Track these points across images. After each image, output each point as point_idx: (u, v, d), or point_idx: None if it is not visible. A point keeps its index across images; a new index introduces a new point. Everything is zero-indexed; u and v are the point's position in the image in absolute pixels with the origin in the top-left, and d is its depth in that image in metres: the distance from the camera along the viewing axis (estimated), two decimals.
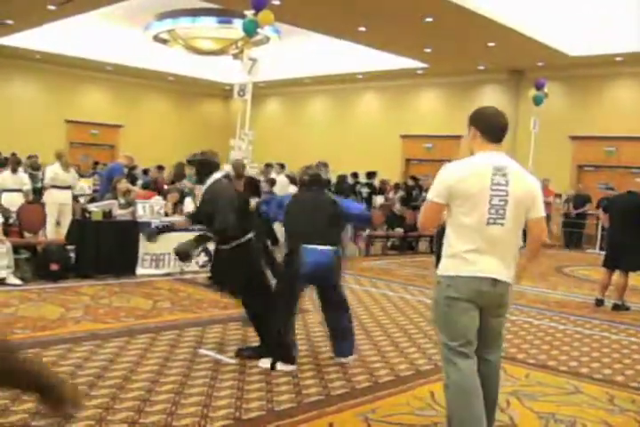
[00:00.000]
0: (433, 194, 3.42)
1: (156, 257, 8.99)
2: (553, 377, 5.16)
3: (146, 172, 15.83)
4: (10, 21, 16.19)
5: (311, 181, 5.35)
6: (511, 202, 3.32)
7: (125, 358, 5.04)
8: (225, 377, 4.70)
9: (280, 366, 4.98)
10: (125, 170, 12.49)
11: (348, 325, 5.40)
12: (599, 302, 8.36)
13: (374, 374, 5.01)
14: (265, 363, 5.02)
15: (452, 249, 3.41)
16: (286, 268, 5.17)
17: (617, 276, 8.25)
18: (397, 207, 14.27)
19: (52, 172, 10.53)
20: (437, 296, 3.46)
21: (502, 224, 3.32)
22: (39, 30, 17.22)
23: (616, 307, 8.20)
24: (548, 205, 16.40)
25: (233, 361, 5.10)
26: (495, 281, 3.34)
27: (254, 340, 5.62)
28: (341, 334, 5.36)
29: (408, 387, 4.72)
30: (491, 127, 3.53)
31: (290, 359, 5.03)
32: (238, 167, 8.67)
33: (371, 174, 15.91)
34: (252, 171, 11.22)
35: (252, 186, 8.84)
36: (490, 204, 3.31)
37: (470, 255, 3.33)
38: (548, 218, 16.90)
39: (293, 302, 5.18)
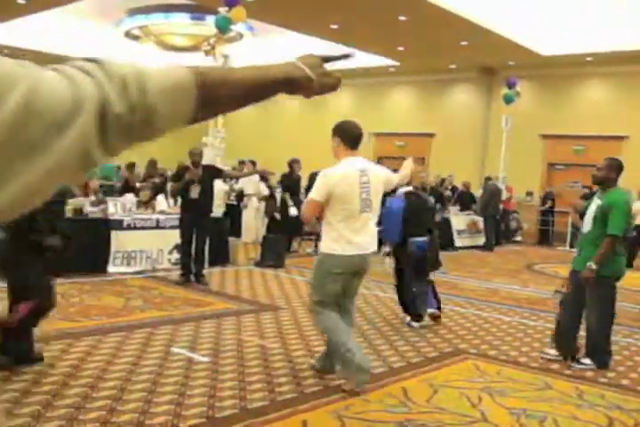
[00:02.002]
0: (317, 194, 4.54)
1: (128, 255, 8.92)
2: (524, 373, 5.22)
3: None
4: None
5: None
6: (373, 194, 4.59)
7: (97, 356, 5.00)
8: (197, 375, 4.69)
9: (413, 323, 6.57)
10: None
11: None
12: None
13: None
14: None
15: (335, 233, 4.54)
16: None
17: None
18: None
19: None
20: (319, 270, 4.66)
21: (369, 211, 4.58)
22: (7, 25, 16.97)
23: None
24: (509, 200, 16.61)
25: (205, 359, 5.09)
26: (365, 254, 4.59)
27: (227, 337, 5.62)
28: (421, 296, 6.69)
29: (381, 384, 4.73)
30: (351, 137, 4.64)
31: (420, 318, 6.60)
32: (193, 157, 8.58)
33: None
34: (225, 168, 11.20)
35: (210, 171, 8.69)
36: (360, 198, 4.52)
37: (349, 237, 4.50)
38: (516, 214, 17.11)
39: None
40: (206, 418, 3.89)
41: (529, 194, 17.82)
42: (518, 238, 17.13)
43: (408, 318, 6.72)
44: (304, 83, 1.08)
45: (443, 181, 16.36)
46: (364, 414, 4.10)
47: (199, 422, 3.83)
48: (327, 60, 1.14)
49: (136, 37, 17.90)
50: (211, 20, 13.80)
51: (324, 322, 4.67)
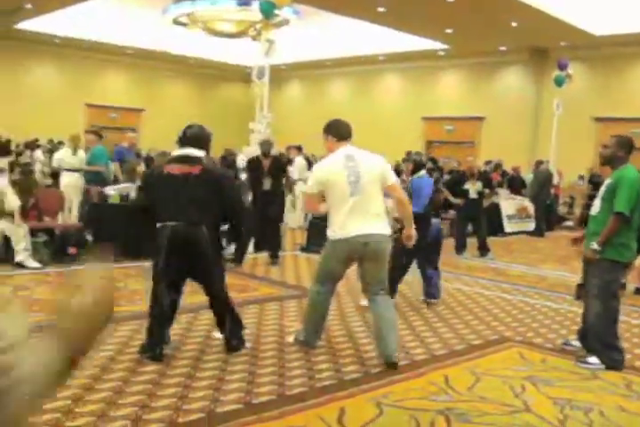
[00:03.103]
0: (308, 187, 4.96)
1: None
2: (570, 362, 5.08)
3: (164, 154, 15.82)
4: (29, 5, 16.19)
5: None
6: (365, 178, 4.65)
7: (138, 341, 5.03)
8: (237, 361, 4.68)
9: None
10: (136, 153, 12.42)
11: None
12: (638, 291, 8.14)
13: None
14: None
15: (331, 218, 4.76)
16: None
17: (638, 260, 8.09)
18: None
19: (60, 155, 10.57)
20: (327, 252, 4.91)
21: (360, 195, 4.63)
22: (58, 15, 17.22)
23: (638, 291, 8.05)
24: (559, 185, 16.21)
25: (247, 345, 5.07)
26: (365, 235, 4.64)
27: (269, 323, 5.61)
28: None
29: (421, 372, 4.66)
30: (337, 129, 4.92)
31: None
32: (265, 146, 8.86)
33: None
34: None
35: (278, 164, 8.92)
36: (347, 181, 4.63)
37: (342, 222, 4.66)
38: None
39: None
40: (243, 404, 3.87)
41: (580, 178, 17.41)
42: (570, 224, 16.77)
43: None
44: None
45: (497, 166, 16.09)
46: (404, 401, 4.04)
47: (236, 407, 3.82)
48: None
49: (184, 24, 17.95)
50: (256, 5, 13.74)
51: (311, 296, 5.11)
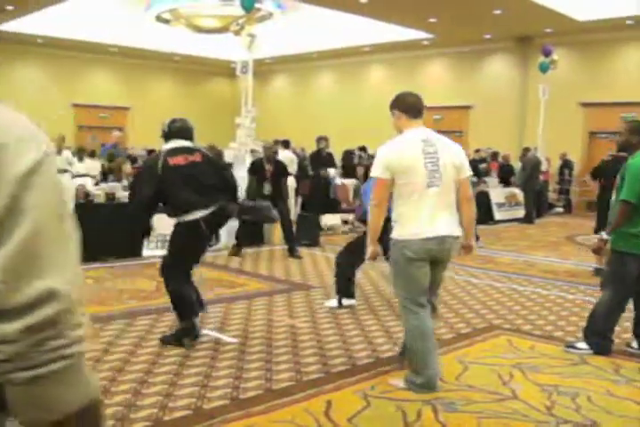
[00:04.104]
0: (376, 171, 4.00)
1: (163, 238, 8.93)
2: (558, 348, 5.08)
3: (151, 152, 15.78)
4: (10, 7, 16.07)
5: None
6: (444, 167, 3.96)
7: (126, 340, 5.03)
8: (224, 356, 4.67)
9: (345, 301, 6.18)
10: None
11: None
12: (598, 272, 8.15)
13: (377, 349, 4.96)
14: (332, 302, 6.23)
15: (400, 214, 4.00)
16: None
17: None
18: None
19: None
20: (395, 260, 4.05)
21: (439, 185, 3.94)
22: (40, 15, 17.10)
23: (598, 272, 8.07)
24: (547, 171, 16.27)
25: (234, 340, 5.08)
26: (442, 238, 3.95)
27: (257, 318, 5.59)
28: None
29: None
30: (410, 105, 4.11)
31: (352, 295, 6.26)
32: (269, 149, 9.35)
33: (362, 149, 15.71)
34: (256, 147, 11.16)
35: (279, 168, 9.07)
36: (426, 169, 3.91)
37: (417, 218, 3.94)
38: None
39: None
40: (230, 399, 3.86)
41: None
42: (560, 210, 16.79)
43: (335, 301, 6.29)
44: None
45: (494, 155, 16.16)
46: (391, 393, 4.03)
47: (223, 403, 3.81)
48: None
49: (166, 21, 17.84)
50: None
51: (410, 323, 4.09)
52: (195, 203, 4.82)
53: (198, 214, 4.81)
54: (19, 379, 0.89)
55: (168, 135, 5.08)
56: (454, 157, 4.06)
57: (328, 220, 11.59)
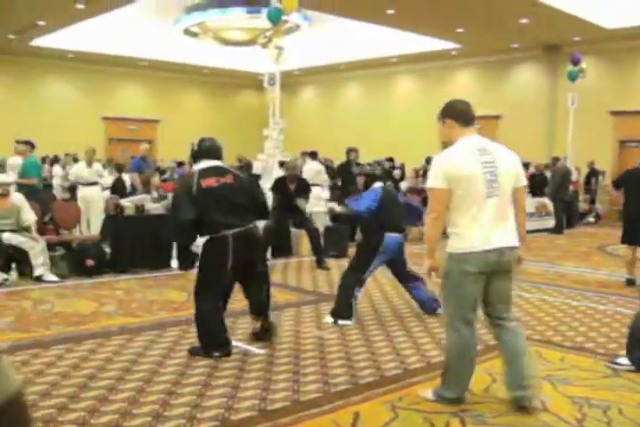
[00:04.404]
0: (433, 181, 3.84)
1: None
2: (589, 360, 5.01)
3: (181, 164, 15.94)
4: (42, 22, 16.39)
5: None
6: (502, 176, 3.81)
7: (155, 351, 5.06)
8: (252, 368, 4.68)
9: (341, 321, 5.97)
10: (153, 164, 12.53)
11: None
12: (629, 282, 8.09)
13: (405, 361, 4.94)
14: (329, 318, 6.07)
15: (458, 228, 3.84)
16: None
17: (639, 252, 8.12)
18: None
19: (75, 168, 10.71)
20: (456, 273, 3.85)
21: (498, 195, 3.79)
22: (70, 30, 17.41)
23: (630, 282, 8.00)
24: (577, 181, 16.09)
25: (262, 351, 5.09)
26: (502, 249, 3.81)
27: (285, 329, 5.60)
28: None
29: (438, 374, 4.62)
30: (461, 112, 3.98)
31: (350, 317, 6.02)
32: (291, 169, 9.54)
33: (390, 160, 15.76)
34: (284, 159, 11.21)
35: (302, 186, 9.20)
36: (485, 179, 3.75)
37: (476, 229, 3.79)
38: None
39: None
40: (258, 411, 3.87)
41: (601, 173, 17.25)
42: (591, 220, 16.60)
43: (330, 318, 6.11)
44: None
45: (525, 165, 16.00)
46: (419, 404, 4.01)
47: (251, 414, 3.82)
48: None
49: (195, 34, 18.05)
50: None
51: (453, 341, 4.00)
52: (224, 224, 4.89)
53: (228, 232, 4.87)
54: None
55: (198, 155, 5.16)
56: (511, 167, 3.92)
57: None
